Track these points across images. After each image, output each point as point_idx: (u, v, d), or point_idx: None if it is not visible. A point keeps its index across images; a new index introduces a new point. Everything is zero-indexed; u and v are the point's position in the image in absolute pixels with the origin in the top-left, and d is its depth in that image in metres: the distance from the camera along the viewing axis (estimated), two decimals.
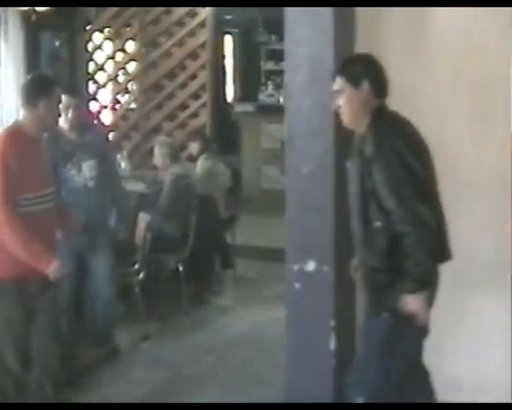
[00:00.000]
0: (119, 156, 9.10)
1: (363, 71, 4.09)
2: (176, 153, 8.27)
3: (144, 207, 7.53)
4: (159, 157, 8.13)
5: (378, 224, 3.94)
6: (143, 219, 7.05)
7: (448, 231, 4.11)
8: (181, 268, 7.69)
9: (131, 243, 7.09)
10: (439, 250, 4.00)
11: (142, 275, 6.95)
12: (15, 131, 4.76)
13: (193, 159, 8.94)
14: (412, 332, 4.03)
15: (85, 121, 6.13)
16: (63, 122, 5.74)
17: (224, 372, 6.19)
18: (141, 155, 10.72)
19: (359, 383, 4.13)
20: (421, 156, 4.00)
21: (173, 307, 7.68)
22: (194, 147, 8.93)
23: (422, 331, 4.08)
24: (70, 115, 5.74)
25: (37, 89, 4.74)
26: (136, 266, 6.92)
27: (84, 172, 5.92)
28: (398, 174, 3.86)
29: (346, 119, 4.12)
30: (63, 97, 5.06)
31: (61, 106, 4.96)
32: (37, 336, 4.78)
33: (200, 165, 8.68)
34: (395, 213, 3.85)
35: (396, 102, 4.71)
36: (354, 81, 4.05)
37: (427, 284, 3.92)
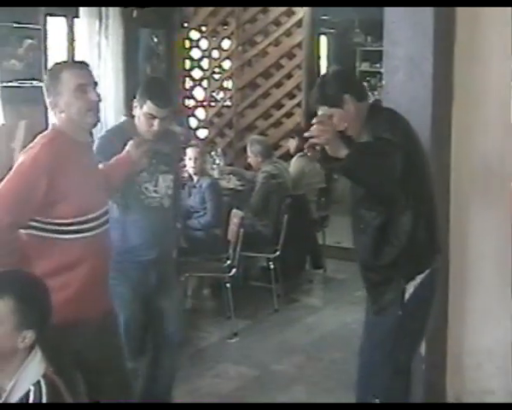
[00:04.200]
0: (213, 153, 9.20)
1: (340, 88, 3.95)
2: (268, 151, 8.31)
3: (237, 204, 7.60)
4: (251, 155, 8.20)
5: (366, 221, 3.90)
6: (236, 215, 7.10)
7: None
8: (272, 266, 7.73)
9: (224, 239, 7.16)
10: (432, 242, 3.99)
11: (233, 271, 7.01)
12: (54, 136, 3.74)
13: (290, 157, 8.97)
14: (418, 326, 4.03)
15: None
16: (142, 128, 4.57)
17: (312, 372, 6.19)
18: (235, 153, 10.81)
19: (371, 383, 4.08)
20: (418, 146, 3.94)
21: (263, 304, 7.73)
22: (292, 144, 8.96)
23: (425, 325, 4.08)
24: (154, 127, 4.52)
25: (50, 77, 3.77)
26: (228, 262, 6.98)
27: (161, 186, 4.67)
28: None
29: (347, 134, 3.94)
30: (149, 105, 4.47)
31: (144, 111, 4.49)
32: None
33: (294, 164, 8.70)
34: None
35: (495, 105, 4.64)
36: (337, 104, 3.91)
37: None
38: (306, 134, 3.70)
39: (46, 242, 3.65)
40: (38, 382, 2.90)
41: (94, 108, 3.73)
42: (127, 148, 4.35)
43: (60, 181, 3.59)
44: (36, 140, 3.71)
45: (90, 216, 3.72)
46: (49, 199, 3.56)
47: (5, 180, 3.59)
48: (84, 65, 3.81)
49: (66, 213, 3.63)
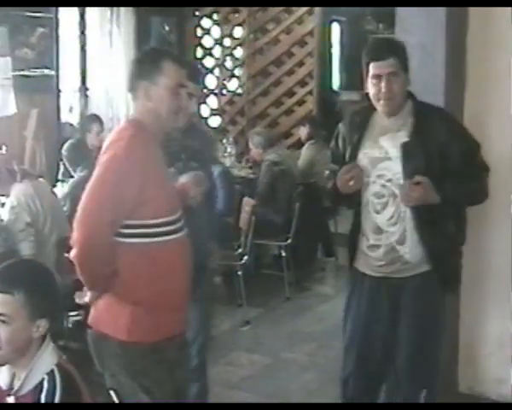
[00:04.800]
0: (224, 141, 9.21)
1: (407, 56, 3.88)
2: (268, 141, 8.35)
3: (249, 192, 7.61)
4: (252, 147, 8.29)
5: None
6: (248, 203, 7.11)
7: None
8: (283, 254, 7.74)
9: (236, 227, 7.17)
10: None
11: (245, 259, 7.02)
12: (138, 129, 3.37)
13: (302, 145, 8.99)
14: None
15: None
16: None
17: (323, 360, 6.19)
18: (246, 141, 10.80)
19: (422, 377, 3.94)
20: None
21: (275, 292, 7.75)
22: (303, 132, 8.98)
23: None
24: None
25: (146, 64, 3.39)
26: (240, 250, 6.99)
27: None
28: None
29: (392, 105, 3.83)
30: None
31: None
32: None
33: (305, 152, 8.73)
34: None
35: (507, 94, 4.61)
36: (406, 65, 3.81)
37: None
38: (410, 204, 3.71)
39: (135, 250, 3.31)
40: (52, 371, 2.90)
41: (181, 113, 3.53)
42: (185, 180, 3.85)
43: (150, 177, 3.28)
44: (117, 133, 3.38)
45: (174, 217, 3.39)
46: (142, 196, 3.25)
47: (96, 176, 3.26)
48: (185, 63, 3.55)
49: (155, 212, 3.30)
